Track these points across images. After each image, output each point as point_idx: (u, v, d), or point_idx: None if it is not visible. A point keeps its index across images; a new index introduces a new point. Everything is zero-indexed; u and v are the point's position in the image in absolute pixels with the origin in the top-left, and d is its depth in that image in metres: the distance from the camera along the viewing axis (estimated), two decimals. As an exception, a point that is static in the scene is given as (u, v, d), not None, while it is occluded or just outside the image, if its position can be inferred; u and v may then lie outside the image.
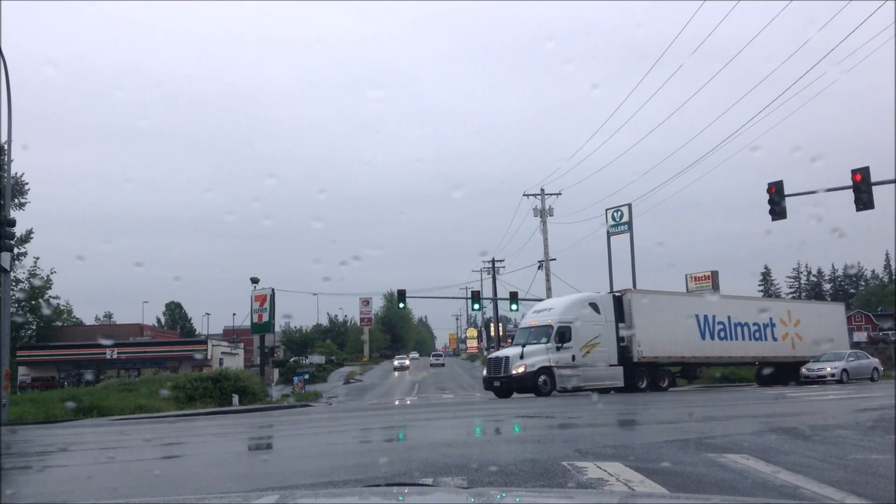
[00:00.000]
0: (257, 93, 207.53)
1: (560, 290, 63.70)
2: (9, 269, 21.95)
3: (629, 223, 56.66)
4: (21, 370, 61.37)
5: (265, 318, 48.96)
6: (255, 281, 48.87)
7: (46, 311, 67.36)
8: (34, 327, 69.90)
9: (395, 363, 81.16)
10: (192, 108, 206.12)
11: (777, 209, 22.02)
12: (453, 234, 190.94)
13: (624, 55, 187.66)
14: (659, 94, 76.01)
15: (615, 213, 58.42)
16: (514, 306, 44.83)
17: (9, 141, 22.99)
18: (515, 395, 27.71)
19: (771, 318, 35.41)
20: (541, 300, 57.61)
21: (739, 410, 16.14)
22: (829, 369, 34.14)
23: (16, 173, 63.18)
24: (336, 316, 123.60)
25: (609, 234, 57.83)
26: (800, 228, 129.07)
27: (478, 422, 14.56)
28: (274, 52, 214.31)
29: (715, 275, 64.37)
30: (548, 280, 54.26)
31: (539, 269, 50.72)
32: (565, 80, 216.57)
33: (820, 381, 33.45)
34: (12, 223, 20.98)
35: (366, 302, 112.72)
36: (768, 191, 22.19)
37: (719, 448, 8.11)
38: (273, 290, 48.84)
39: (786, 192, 22.17)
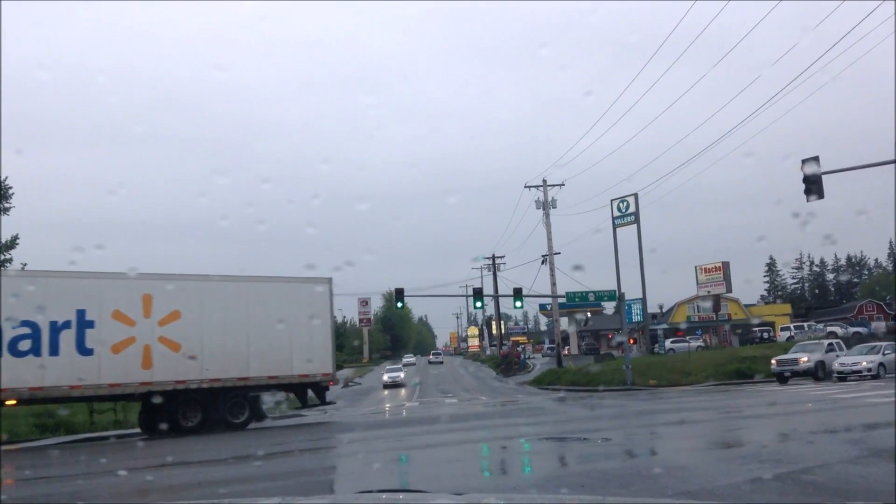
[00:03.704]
0: (250, 94, 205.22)
1: (566, 285, 61.55)
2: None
3: (636, 214, 54.48)
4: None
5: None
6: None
7: None
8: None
9: (386, 378, 54.51)
10: (186, 111, 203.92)
11: (813, 188, 19.79)
12: (452, 233, 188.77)
13: (621, 47, 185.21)
14: (660, 85, 73.76)
15: (621, 204, 56.24)
16: (518, 303, 42.61)
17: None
18: None
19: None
20: (547, 297, 55.65)
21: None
22: (864, 363, 30.80)
23: (-1, 177, 61.28)
24: (335, 317, 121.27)
25: (615, 226, 55.65)
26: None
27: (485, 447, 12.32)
28: (265, 52, 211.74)
29: (726, 266, 62.16)
30: (552, 275, 52.01)
31: (543, 263, 48.52)
32: (561, 75, 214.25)
33: (855, 376, 30.37)
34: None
35: (364, 302, 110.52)
36: (803, 168, 19.95)
37: None
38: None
39: (823, 170, 19.93)
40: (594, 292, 45.82)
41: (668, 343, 61.15)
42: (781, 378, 31.37)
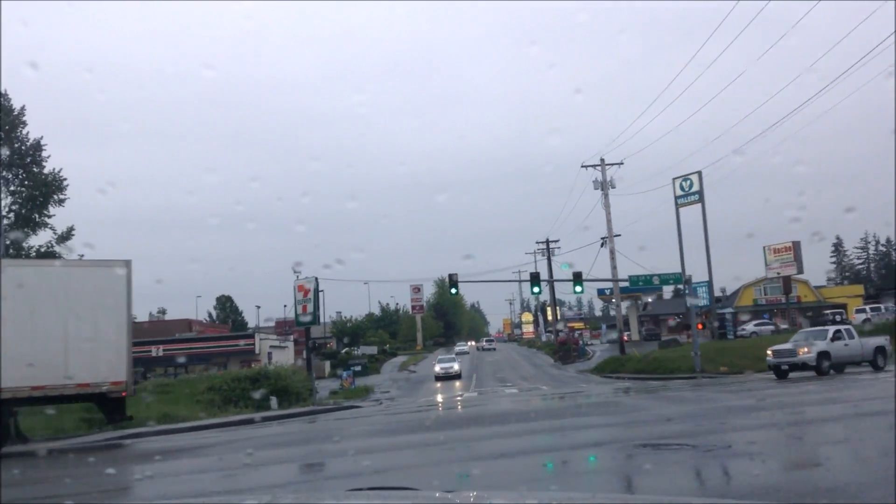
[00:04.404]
0: (296, 85, 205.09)
1: (627, 268, 59.29)
2: (-3, 262, 18.75)
3: (700, 192, 51.90)
4: (65, 371, 59.54)
5: (309, 308, 45.79)
6: (297, 270, 45.54)
7: None
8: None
9: (438, 369, 50.14)
10: (231, 105, 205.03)
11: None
12: (503, 218, 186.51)
13: (676, 22, 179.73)
14: (720, 62, 70.23)
15: (683, 183, 53.77)
16: (578, 287, 40.47)
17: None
18: None
19: None
20: (608, 280, 53.42)
21: None
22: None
23: (53, 169, 61.59)
24: (387, 304, 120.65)
25: (678, 206, 53.14)
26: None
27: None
28: (306, 43, 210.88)
29: (796, 246, 59.02)
30: (612, 258, 49.85)
31: (602, 246, 46.35)
32: (614, 49, 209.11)
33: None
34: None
35: (416, 289, 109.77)
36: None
37: None
38: (316, 279, 45.42)
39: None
40: (658, 275, 43.41)
41: (751, 326, 58.46)
42: (779, 372, 27.46)
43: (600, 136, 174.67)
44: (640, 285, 44.65)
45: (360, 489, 3.46)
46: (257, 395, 29.06)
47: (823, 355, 26.79)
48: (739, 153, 60.81)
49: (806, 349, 26.85)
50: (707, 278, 51.83)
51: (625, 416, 14.75)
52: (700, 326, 48.48)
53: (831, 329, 29.06)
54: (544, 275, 65.18)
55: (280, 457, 11.98)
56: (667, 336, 68.93)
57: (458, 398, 31.29)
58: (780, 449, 9.26)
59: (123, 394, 19.49)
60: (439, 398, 32.71)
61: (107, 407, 19.71)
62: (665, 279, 45.24)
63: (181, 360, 63.78)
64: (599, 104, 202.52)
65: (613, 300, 62.47)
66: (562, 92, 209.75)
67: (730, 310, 66.74)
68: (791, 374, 27.28)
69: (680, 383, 29.58)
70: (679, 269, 46.22)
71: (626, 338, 59.80)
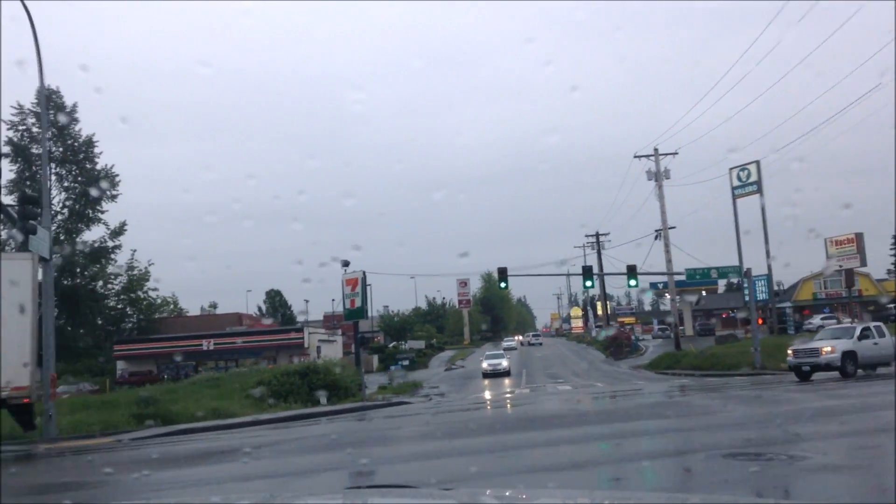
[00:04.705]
0: (337, 80, 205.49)
1: (682, 262, 57.66)
2: (48, 257, 18.58)
3: (758, 183, 49.95)
4: (119, 364, 60.52)
5: (357, 302, 45.45)
6: (345, 264, 45.13)
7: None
8: (134, 320, 69.38)
9: (485, 365, 47.08)
10: (278, 101, 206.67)
11: None
12: (550, 211, 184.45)
13: (731, 11, 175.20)
14: (778, 51, 67.76)
15: (741, 173, 52.00)
16: (632, 281, 39.26)
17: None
18: None
19: None
20: (663, 274, 51.93)
21: None
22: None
23: (105, 165, 62.59)
24: (434, 299, 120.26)
25: (734, 197, 51.40)
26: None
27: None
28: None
29: (859, 238, 56.49)
30: (667, 251, 48.35)
31: (657, 238, 44.92)
32: (654, 45, 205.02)
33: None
34: (33, 200, 17.53)
35: (463, 283, 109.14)
36: None
37: None
38: (364, 272, 45.07)
39: None
40: (717, 268, 41.98)
41: (817, 319, 56.38)
42: (800, 373, 24.99)
43: (651, 126, 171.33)
44: (696, 279, 43.23)
45: (359, 487, 3.41)
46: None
47: (849, 356, 24.45)
48: (794, 145, 58.42)
49: (829, 349, 24.46)
50: (765, 272, 50.05)
51: (697, 420, 13.72)
52: (760, 321, 46.88)
53: (858, 327, 26.71)
54: (595, 269, 63.81)
55: (329, 462, 11.25)
56: (721, 331, 67.07)
57: (510, 395, 30.46)
58: (885, 462, 8.20)
59: (25, 400, 17.75)
60: (491, 395, 31.93)
61: (16, 413, 18.10)
62: (723, 272, 43.81)
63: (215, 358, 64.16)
64: (653, 94, 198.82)
65: (667, 294, 60.87)
66: (614, 82, 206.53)
67: (787, 304, 64.58)
68: (814, 376, 24.95)
69: (742, 381, 28.26)
70: (735, 263, 44.67)
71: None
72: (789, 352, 26.05)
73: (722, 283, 78.74)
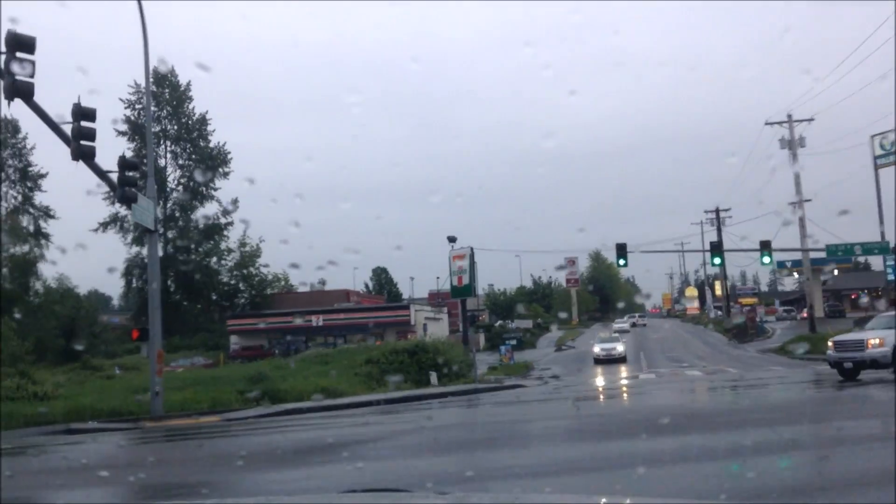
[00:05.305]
0: (440, 57, 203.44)
1: (819, 238, 53.03)
2: (153, 228, 17.86)
3: (904, 151, 45.29)
4: (232, 339, 61.79)
5: (465, 280, 44.22)
6: (452, 240, 43.96)
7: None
8: (246, 296, 70.86)
9: (598, 350, 42.28)
10: (394, 74, 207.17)
11: None
12: (663, 187, 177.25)
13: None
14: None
15: (883, 141, 47.37)
16: (766, 258, 35.94)
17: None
18: None
19: None
20: (798, 251, 47.80)
21: None
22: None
23: (218, 143, 63.69)
24: (539, 277, 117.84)
25: (876, 167, 46.82)
26: None
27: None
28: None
29: None
30: (802, 226, 44.25)
31: (795, 209, 41.03)
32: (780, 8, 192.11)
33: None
34: (133, 165, 16.72)
35: (571, 262, 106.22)
36: None
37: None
38: (472, 248, 43.76)
39: None
40: (861, 244, 37.92)
41: None
42: (843, 371, 20.36)
43: (767, 100, 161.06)
44: (839, 255, 39.31)
45: (355, 491, 3.40)
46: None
47: None
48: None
49: (877, 341, 19.64)
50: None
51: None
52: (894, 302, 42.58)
53: None
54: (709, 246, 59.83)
55: (459, 466, 9.40)
56: (851, 313, 61.82)
57: (633, 380, 28.18)
58: None
59: None
60: (610, 379, 29.72)
61: None
62: (868, 248, 39.71)
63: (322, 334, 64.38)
64: (770, 65, 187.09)
65: (795, 273, 56.44)
66: (729, 54, 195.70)
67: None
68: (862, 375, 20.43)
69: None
70: (868, 239, 40.38)
71: (804, 314, 53.90)
72: (829, 344, 21.77)
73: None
